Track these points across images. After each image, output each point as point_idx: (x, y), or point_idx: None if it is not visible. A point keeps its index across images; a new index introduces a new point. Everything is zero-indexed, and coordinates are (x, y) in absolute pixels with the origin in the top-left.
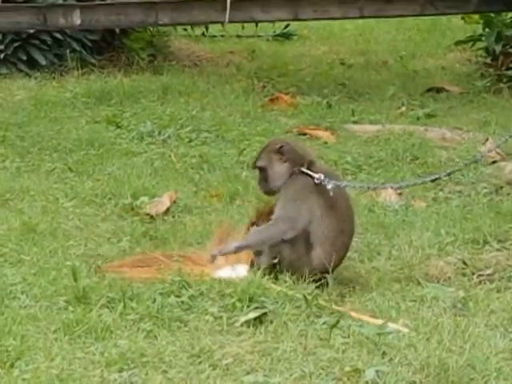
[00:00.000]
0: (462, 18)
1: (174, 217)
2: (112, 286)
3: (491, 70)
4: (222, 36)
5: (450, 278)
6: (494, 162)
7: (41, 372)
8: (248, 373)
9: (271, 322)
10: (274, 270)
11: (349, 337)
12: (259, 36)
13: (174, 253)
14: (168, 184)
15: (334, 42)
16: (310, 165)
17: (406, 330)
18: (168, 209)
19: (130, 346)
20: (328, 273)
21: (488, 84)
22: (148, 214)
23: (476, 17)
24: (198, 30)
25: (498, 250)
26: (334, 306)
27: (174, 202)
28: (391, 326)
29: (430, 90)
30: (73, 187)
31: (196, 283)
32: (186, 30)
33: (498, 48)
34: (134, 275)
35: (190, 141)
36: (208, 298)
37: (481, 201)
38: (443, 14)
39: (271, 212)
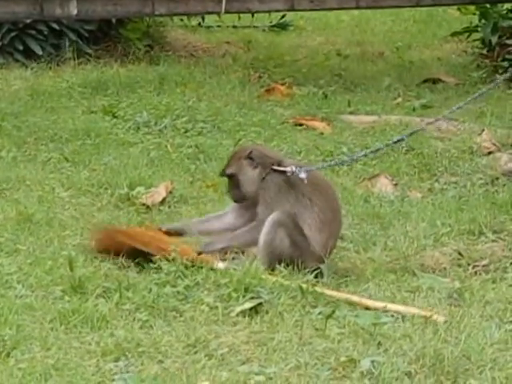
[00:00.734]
0: (458, 9)
1: (169, 207)
2: (108, 275)
3: (487, 61)
4: (219, 26)
5: (445, 268)
6: (489, 153)
7: (37, 361)
8: (243, 363)
9: (267, 312)
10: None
11: (344, 327)
12: (255, 26)
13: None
14: (164, 174)
15: (330, 33)
16: (280, 164)
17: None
18: (164, 199)
19: (125, 336)
20: (324, 262)
21: (484, 75)
22: (144, 204)
23: (472, 8)
24: (195, 21)
25: (493, 240)
26: (330, 292)
27: (170, 192)
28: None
29: (426, 80)
30: (69, 177)
31: (192, 273)
32: (182, 20)
33: (494, 39)
34: (125, 241)
35: (186, 131)
36: (204, 288)
37: (476, 192)
38: (439, 5)
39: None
